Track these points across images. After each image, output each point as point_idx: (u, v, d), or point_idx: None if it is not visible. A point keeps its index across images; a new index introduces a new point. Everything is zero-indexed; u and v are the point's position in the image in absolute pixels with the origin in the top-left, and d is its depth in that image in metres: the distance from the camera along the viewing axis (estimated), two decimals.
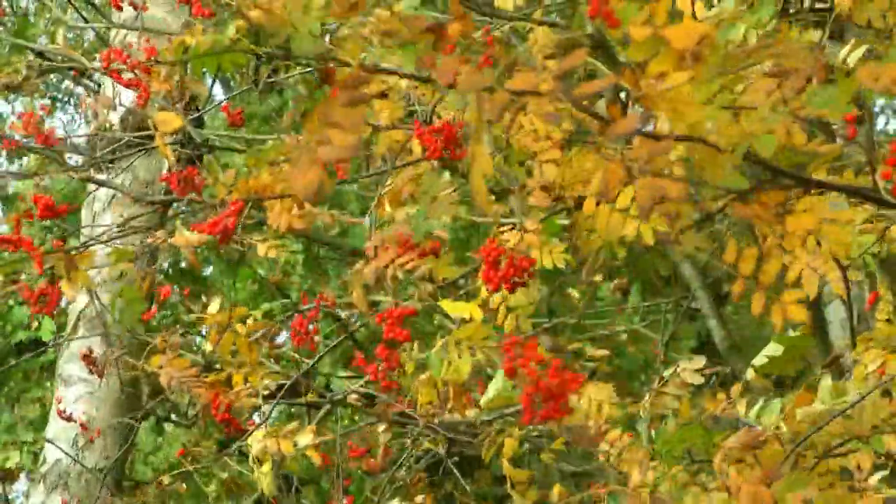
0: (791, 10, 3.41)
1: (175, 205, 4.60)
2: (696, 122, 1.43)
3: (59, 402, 5.20)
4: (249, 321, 3.18)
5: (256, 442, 2.89)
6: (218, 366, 3.30)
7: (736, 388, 2.84)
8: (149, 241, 2.76)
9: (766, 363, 2.96)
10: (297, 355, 3.67)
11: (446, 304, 2.42)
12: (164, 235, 2.68)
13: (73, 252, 2.33)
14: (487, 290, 2.40)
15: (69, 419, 5.13)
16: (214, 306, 3.28)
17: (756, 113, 1.53)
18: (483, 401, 3.31)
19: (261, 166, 2.25)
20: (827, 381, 2.53)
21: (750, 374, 2.98)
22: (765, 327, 6.98)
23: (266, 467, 2.98)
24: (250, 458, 3.14)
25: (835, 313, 4.93)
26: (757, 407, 2.70)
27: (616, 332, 6.65)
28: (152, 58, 2.49)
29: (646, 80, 1.37)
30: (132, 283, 4.19)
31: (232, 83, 8.02)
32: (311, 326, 2.99)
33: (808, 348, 3.23)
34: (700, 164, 1.55)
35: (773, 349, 2.96)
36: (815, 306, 4.81)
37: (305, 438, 2.77)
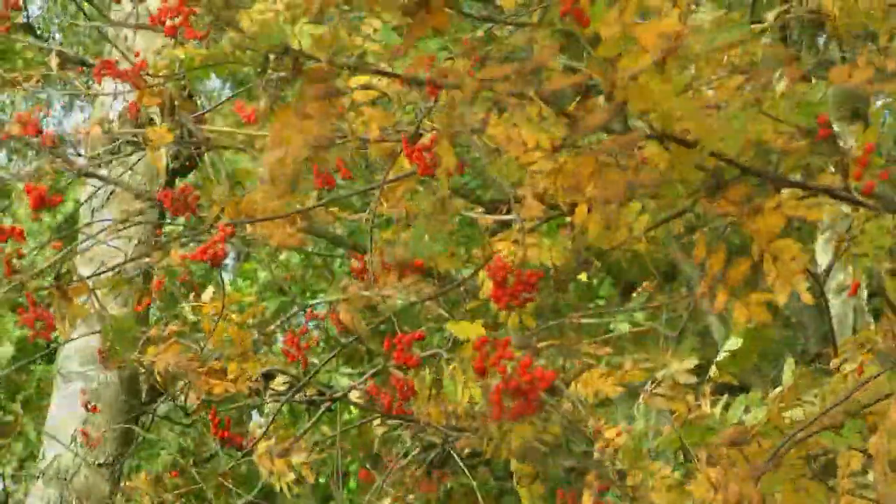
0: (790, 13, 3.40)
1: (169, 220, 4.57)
2: (667, 115, 1.44)
3: (84, 394, 5.15)
4: (248, 310, 3.15)
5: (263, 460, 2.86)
6: (215, 356, 3.28)
7: (705, 388, 2.78)
8: (145, 260, 2.75)
9: (730, 359, 2.88)
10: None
11: (452, 325, 2.38)
12: (159, 256, 2.66)
13: (68, 284, 2.26)
14: (497, 308, 2.35)
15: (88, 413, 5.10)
16: (207, 295, 3.25)
17: (725, 111, 1.54)
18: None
19: (251, 179, 2.22)
20: (791, 368, 2.50)
21: (713, 371, 2.90)
22: (764, 325, 6.95)
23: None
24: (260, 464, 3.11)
25: (841, 307, 4.91)
26: (720, 404, 2.65)
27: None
28: (143, 71, 2.47)
29: (617, 73, 1.40)
30: (127, 299, 4.18)
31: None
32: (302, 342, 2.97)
33: (769, 340, 3.15)
34: (671, 161, 1.55)
35: (734, 343, 2.89)
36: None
37: (300, 457, 2.75)
